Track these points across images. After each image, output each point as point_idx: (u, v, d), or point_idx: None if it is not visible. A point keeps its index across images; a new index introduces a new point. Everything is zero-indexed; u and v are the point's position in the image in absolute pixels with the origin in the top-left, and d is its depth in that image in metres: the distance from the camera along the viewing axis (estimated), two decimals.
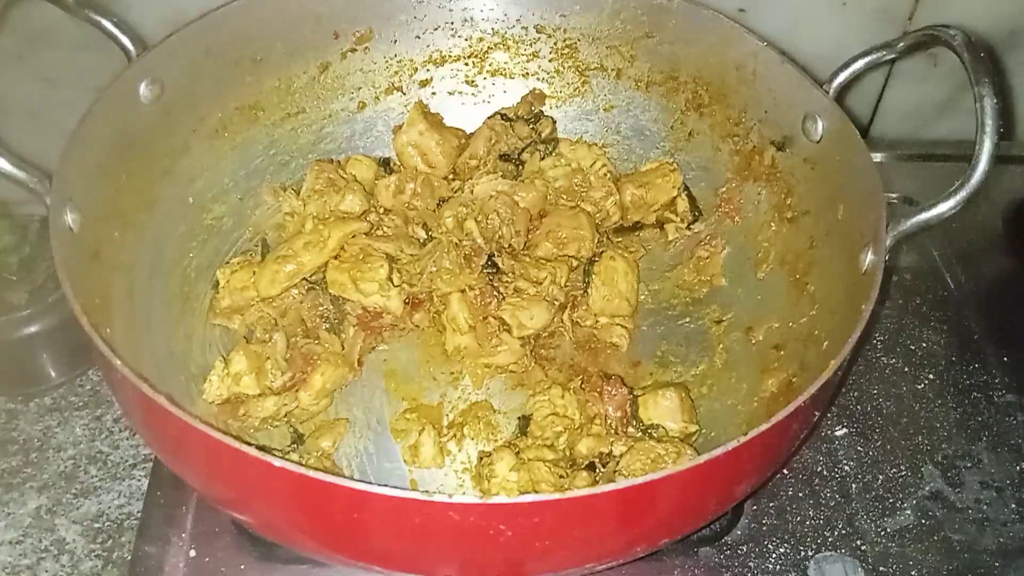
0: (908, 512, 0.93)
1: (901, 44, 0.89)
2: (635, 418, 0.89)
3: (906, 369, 1.06)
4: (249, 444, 0.64)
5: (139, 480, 0.97)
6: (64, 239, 0.79)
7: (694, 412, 0.91)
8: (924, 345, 1.08)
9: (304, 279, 0.96)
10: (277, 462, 0.63)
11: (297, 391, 0.90)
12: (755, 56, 0.98)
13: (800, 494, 0.94)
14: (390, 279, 0.96)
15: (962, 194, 0.77)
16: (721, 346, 0.99)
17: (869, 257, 0.81)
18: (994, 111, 0.77)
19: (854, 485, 0.95)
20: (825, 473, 0.96)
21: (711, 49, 1.02)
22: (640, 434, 0.87)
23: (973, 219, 1.20)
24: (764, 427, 0.66)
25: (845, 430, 1.00)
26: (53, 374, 1.06)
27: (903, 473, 0.97)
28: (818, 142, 0.94)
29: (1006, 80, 1.31)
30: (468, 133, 1.10)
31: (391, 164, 1.09)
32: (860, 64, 0.92)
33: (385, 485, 0.62)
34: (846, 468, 0.97)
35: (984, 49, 0.79)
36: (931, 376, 1.05)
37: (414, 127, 1.07)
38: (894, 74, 1.29)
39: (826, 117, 0.92)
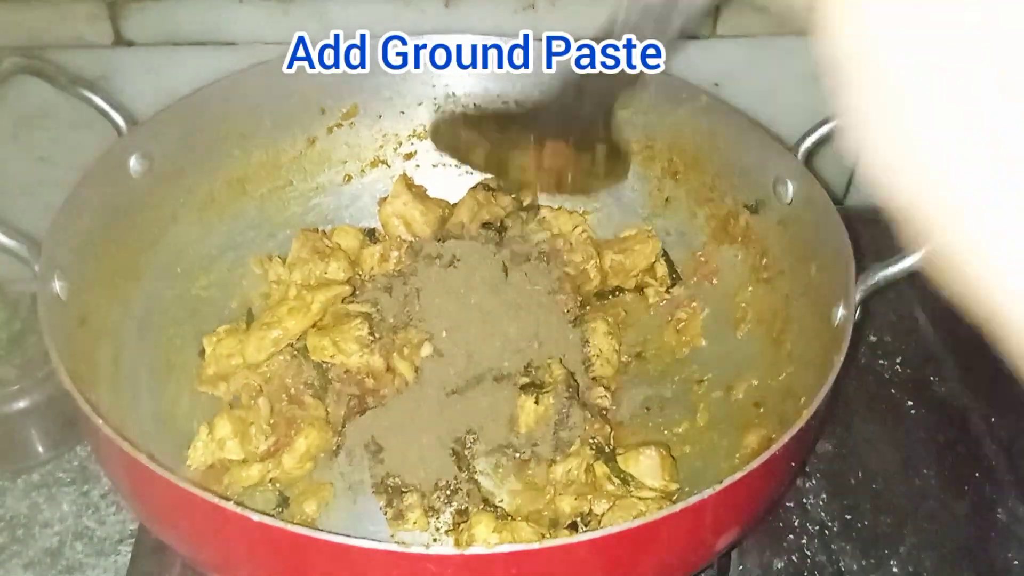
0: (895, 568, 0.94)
1: None
2: (614, 470, 0.89)
3: (890, 430, 1.07)
4: (228, 500, 0.65)
5: (124, 556, 0.96)
6: (52, 305, 0.80)
7: (676, 470, 0.91)
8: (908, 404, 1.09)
9: (290, 345, 0.97)
10: (256, 517, 0.64)
11: (281, 455, 0.90)
12: (726, 124, 1.01)
13: (793, 558, 0.95)
14: (371, 335, 0.97)
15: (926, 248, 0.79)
16: (702, 405, 0.99)
17: (840, 312, 0.83)
18: None
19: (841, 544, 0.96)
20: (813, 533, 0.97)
21: (684, 118, 1.05)
22: (618, 482, 0.87)
23: None
24: (738, 475, 0.67)
25: (827, 494, 1.00)
26: (41, 450, 1.05)
27: (888, 532, 0.97)
28: (789, 204, 0.96)
29: None
30: (451, 204, 1.12)
31: (376, 234, 1.11)
32: (826, 129, 0.94)
33: (363, 538, 0.63)
34: (834, 528, 0.97)
35: None
36: (921, 434, 1.06)
37: (399, 198, 1.09)
38: None
39: (796, 180, 0.95)
